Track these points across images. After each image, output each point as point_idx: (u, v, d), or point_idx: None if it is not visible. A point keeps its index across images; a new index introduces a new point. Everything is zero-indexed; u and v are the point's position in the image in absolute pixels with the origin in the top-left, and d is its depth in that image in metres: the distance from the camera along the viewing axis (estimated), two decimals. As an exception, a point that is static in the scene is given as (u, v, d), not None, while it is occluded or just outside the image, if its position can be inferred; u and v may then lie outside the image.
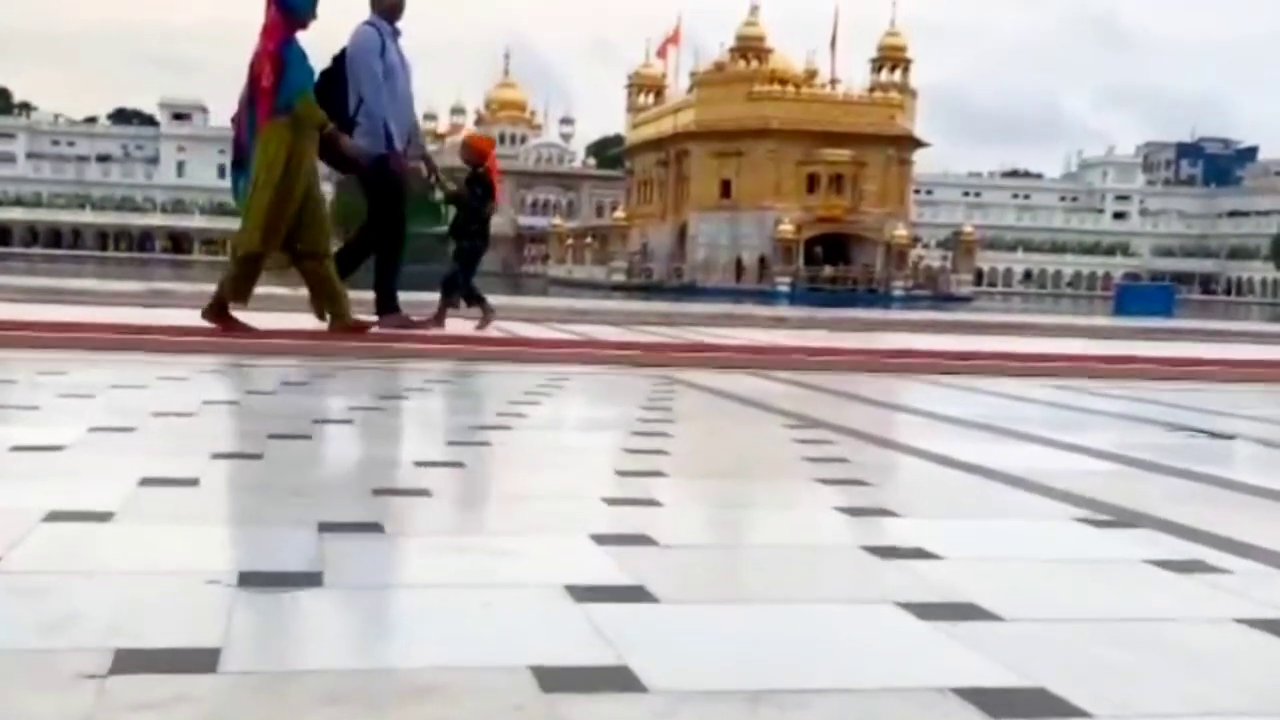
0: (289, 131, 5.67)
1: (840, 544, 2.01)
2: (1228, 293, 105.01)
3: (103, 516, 1.88)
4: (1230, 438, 3.78)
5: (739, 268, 60.64)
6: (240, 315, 5.83)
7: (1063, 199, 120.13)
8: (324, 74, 6.14)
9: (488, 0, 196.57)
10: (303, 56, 5.76)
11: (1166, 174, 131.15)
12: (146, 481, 2.19)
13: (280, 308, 6.93)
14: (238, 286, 5.79)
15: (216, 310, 5.75)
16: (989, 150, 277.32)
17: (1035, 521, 2.26)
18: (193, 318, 5.88)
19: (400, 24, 6.48)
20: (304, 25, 5.77)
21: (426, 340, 5.99)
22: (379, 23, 6.36)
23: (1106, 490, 2.50)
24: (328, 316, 5.92)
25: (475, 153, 7.22)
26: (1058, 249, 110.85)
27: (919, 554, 1.86)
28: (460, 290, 7.08)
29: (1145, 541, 2.03)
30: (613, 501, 2.25)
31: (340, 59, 6.28)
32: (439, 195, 7.16)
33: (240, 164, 5.88)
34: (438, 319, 6.83)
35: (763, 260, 60.74)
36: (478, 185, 7.07)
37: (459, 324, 6.95)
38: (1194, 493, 2.64)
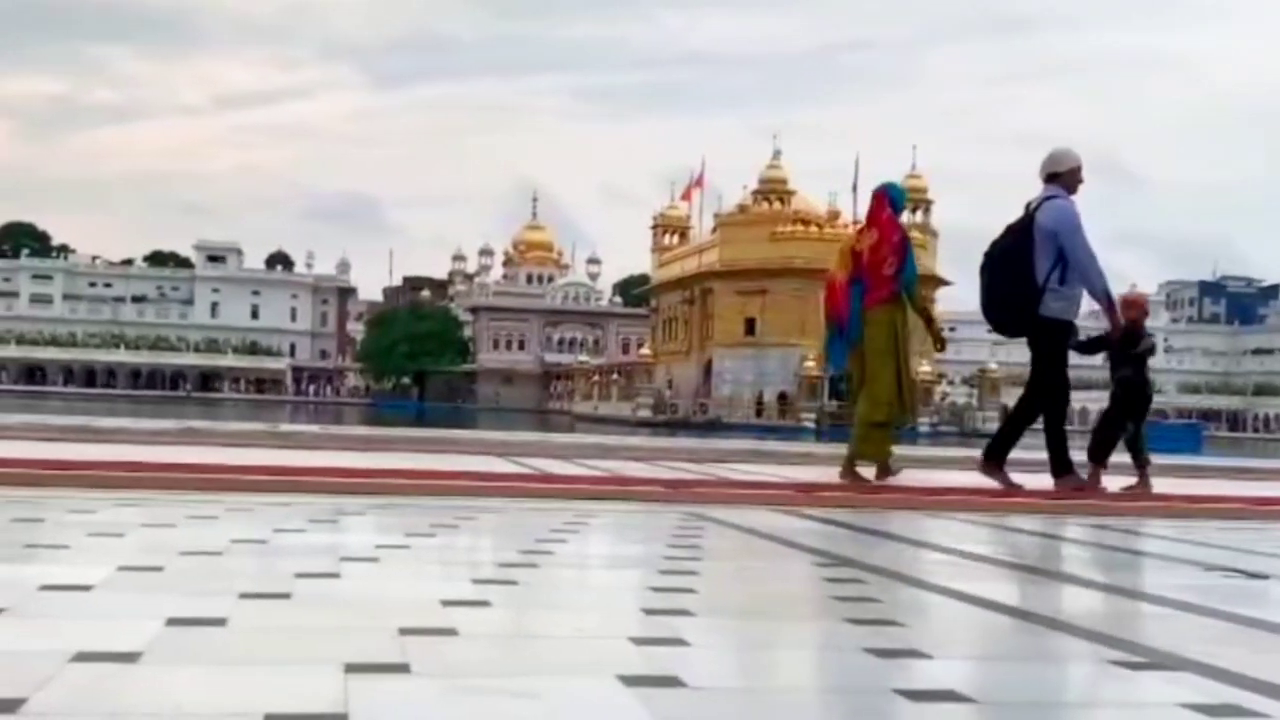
0: (901, 313, 6.66)
1: (872, 686, 1.99)
2: (1256, 428, 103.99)
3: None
4: (1266, 578, 3.73)
5: (759, 404, 60.75)
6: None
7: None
8: (1004, 246, 6.42)
9: (508, 149, 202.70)
10: (911, 248, 6.76)
11: (1190, 311, 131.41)
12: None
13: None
14: (864, 448, 6.70)
15: (850, 470, 6.65)
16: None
17: (1069, 663, 2.23)
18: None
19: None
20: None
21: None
22: (1067, 196, 6.46)
23: (1141, 631, 2.48)
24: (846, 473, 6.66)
25: (1141, 310, 7.23)
26: (1083, 385, 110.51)
27: (951, 696, 1.84)
28: (1129, 444, 7.08)
29: (1181, 684, 2.00)
30: (640, 641, 2.24)
31: (1020, 230, 6.39)
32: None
33: (836, 336, 6.82)
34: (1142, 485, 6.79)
35: (783, 396, 60.83)
36: (1139, 341, 7.03)
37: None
38: (1230, 634, 2.59)
